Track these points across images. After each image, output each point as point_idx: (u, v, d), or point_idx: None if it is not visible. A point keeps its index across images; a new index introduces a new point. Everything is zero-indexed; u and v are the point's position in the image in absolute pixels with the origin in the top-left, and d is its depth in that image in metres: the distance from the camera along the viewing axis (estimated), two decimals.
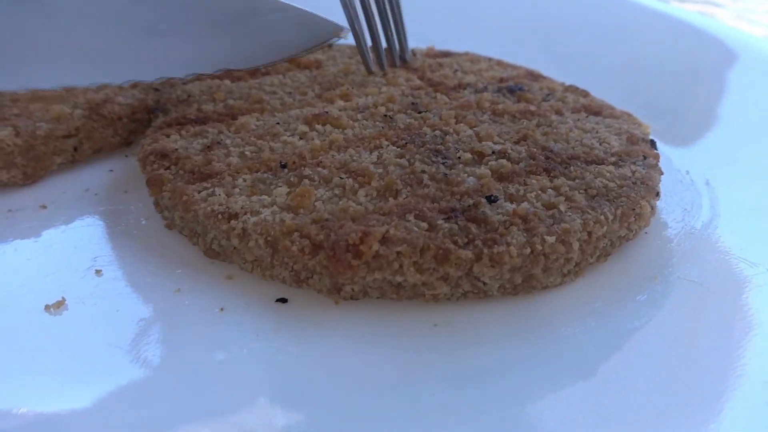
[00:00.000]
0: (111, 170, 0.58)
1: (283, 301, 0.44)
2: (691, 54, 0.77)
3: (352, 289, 0.43)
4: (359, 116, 0.55)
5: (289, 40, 0.57)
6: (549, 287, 0.45)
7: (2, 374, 0.38)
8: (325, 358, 0.40)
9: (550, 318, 0.43)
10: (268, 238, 0.43)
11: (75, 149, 0.57)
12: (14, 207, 0.53)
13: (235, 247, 0.45)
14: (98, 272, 0.46)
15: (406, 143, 0.51)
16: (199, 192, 0.47)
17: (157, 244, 0.49)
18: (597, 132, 0.55)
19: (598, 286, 0.46)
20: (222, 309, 0.43)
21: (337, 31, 0.58)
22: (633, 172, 0.49)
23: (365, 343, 0.41)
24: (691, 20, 0.83)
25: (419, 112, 0.56)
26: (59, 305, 0.43)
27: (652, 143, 0.55)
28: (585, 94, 0.64)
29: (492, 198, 0.45)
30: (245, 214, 0.44)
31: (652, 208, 0.49)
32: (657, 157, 0.53)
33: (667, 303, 0.44)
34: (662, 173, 0.52)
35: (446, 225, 0.43)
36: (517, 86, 0.63)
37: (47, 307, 0.42)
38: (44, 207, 0.53)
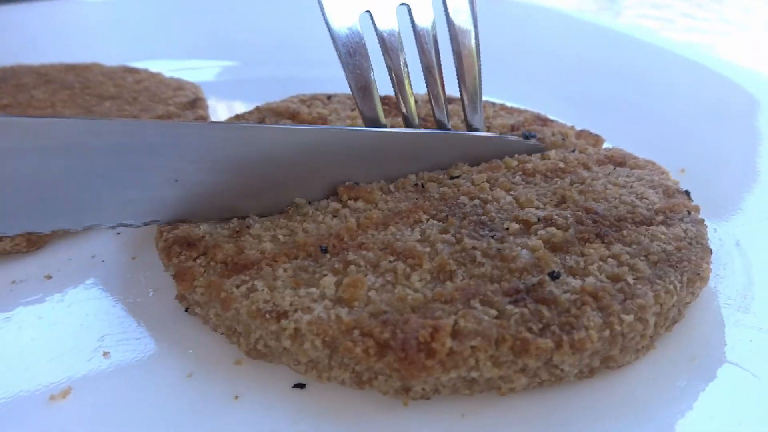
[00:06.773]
0: (118, 233, 0.54)
1: (301, 386, 0.41)
2: (703, 97, 0.76)
3: (423, 389, 0.39)
4: (391, 187, 0.52)
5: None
6: (625, 366, 0.42)
7: None
8: None
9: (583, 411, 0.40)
10: (326, 339, 0.39)
11: None
12: (18, 278, 0.49)
13: (285, 348, 0.41)
14: (105, 354, 0.43)
15: (447, 216, 0.48)
16: (238, 287, 0.42)
17: (167, 320, 0.46)
18: (632, 186, 0.53)
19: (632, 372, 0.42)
20: (236, 397, 0.40)
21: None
22: (685, 231, 0.48)
23: None
24: (696, 58, 0.83)
25: (451, 178, 0.53)
26: (65, 394, 0.39)
27: (687, 194, 0.54)
28: (596, 140, 0.63)
29: (554, 274, 0.42)
30: (296, 311, 0.40)
31: (709, 266, 0.47)
32: (698, 209, 0.51)
33: (708, 389, 0.41)
34: (707, 227, 0.50)
35: (516, 310, 0.40)
36: (530, 134, 0.61)
37: (53, 397, 0.39)
38: (49, 277, 0.50)
